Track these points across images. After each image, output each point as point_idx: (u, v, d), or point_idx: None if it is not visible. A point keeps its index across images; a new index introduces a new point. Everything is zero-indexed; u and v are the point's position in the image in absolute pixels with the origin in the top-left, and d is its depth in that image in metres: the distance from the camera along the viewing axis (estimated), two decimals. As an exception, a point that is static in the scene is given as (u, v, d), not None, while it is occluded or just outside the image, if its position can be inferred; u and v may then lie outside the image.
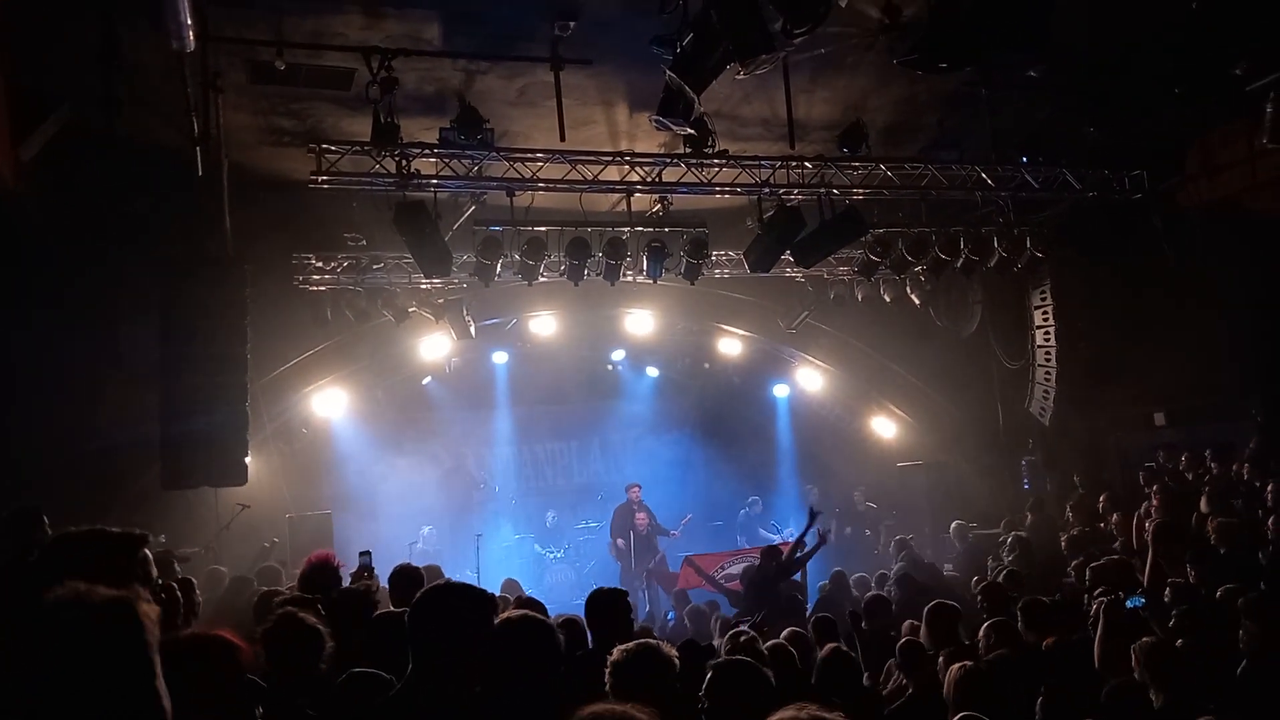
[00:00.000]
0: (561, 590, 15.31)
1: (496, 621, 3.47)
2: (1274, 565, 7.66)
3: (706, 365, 17.50)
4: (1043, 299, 14.07)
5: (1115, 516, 11.28)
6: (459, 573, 12.32)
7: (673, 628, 10.94)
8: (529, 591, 9.86)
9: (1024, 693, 5.22)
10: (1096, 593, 6.52)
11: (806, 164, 10.93)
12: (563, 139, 9.72)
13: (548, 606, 6.83)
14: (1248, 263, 11.75)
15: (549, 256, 11.76)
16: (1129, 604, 6.41)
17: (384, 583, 6.96)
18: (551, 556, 16.47)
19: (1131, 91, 10.44)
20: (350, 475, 14.80)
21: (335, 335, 13.23)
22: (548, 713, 3.27)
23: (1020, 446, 15.31)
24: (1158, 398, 13.48)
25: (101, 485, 9.96)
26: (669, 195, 11.57)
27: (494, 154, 9.94)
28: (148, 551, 2.95)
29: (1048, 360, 14.08)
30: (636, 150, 10.99)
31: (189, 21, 6.81)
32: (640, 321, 15.27)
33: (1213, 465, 11.35)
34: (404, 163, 9.59)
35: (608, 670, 3.72)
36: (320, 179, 9.50)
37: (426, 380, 15.94)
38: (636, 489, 15.80)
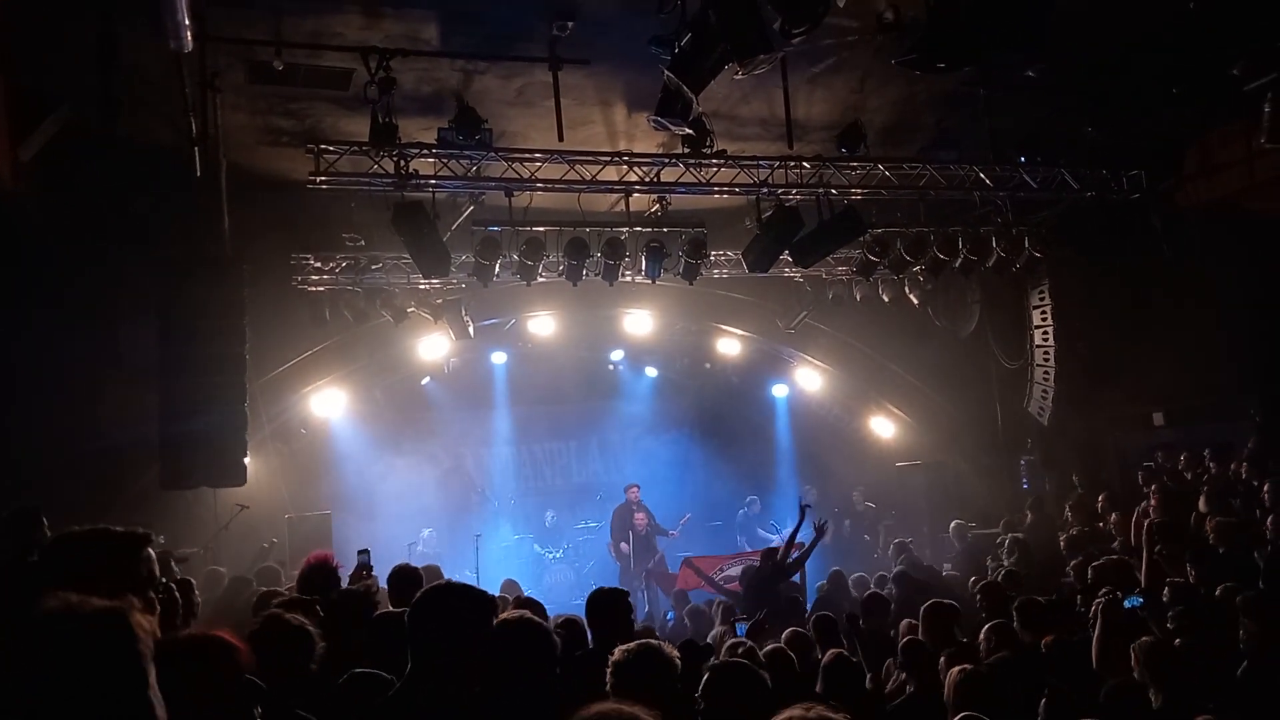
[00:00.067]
0: (561, 590, 15.32)
1: (495, 622, 3.48)
2: (1272, 565, 7.65)
3: (706, 365, 17.51)
4: (1041, 299, 14.08)
5: (1114, 516, 11.28)
6: (458, 573, 12.31)
7: (672, 628, 10.94)
8: (528, 592, 9.86)
9: (1024, 693, 5.22)
10: (1101, 592, 6.52)
11: (805, 164, 10.93)
12: (561, 139, 9.72)
13: (547, 607, 6.85)
14: (1246, 263, 11.76)
15: (547, 256, 11.76)
16: (1127, 604, 6.41)
17: (383, 583, 6.96)
18: (550, 556, 16.47)
19: (1130, 92, 10.45)
20: (349, 475, 14.80)
21: (334, 335, 13.22)
22: (546, 713, 3.28)
23: (1019, 446, 15.32)
24: (1156, 397, 13.50)
25: (101, 485, 9.95)
26: (667, 195, 11.56)
27: (492, 154, 9.94)
28: (151, 551, 2.95)
29: (1046, 360, 14.09)
30: (635, 150, 10.98)
31: (187, 21, 6.81)
32: (639, 321, 15.27)
33: (1211, 465, 11.37)
34: (402, 163, 9.59)
35: (609, 670, 3.73)
36: (319, 179, 9.49)
37: (425, 380, 15.94)
38: (635, 489, 15.80)
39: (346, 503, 14.03)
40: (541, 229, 11.45)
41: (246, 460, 9.66)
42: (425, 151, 9.72)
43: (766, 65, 6.77)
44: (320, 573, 6.41)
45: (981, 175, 11.65)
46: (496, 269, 11.49)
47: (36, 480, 9.20)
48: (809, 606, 10.08)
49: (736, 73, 6.78)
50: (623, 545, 15.46)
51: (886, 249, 12.59)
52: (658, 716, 2.40)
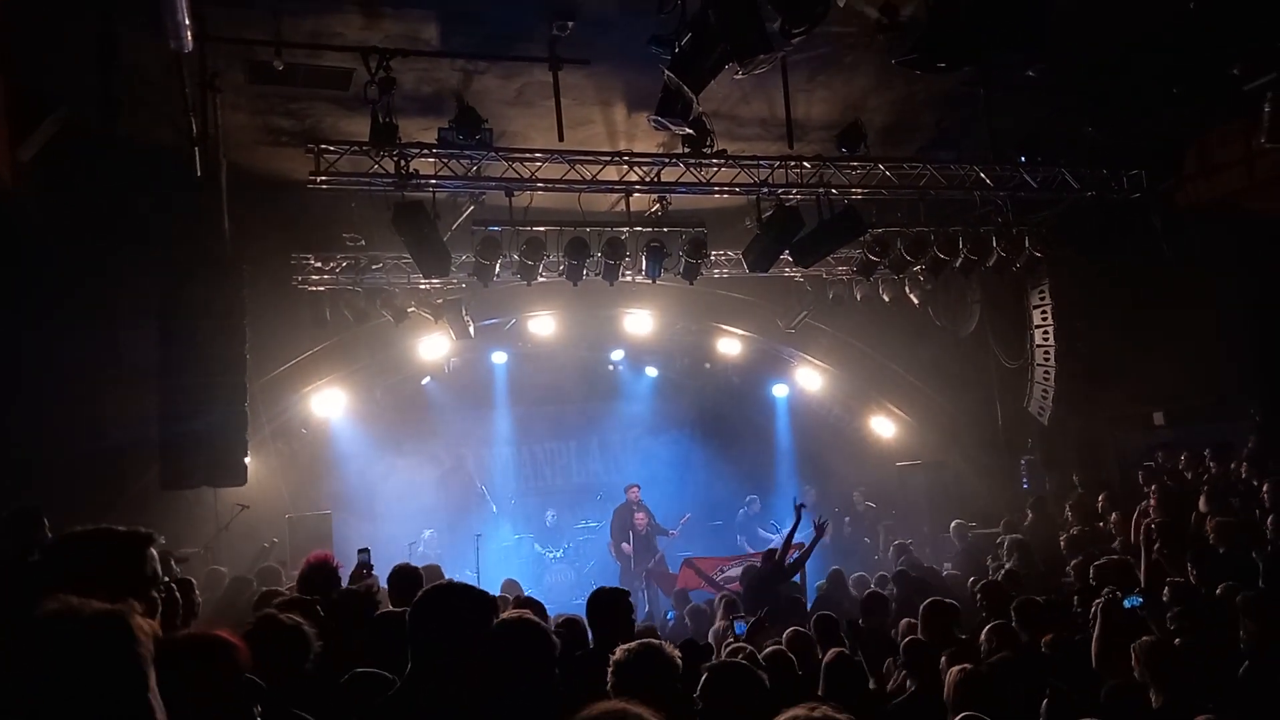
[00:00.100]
0: (561, 590, 15.32)
1: (495, 622, 3.48)
2: (1271, 564, 7.65)
3: (707, 365, 17.51)
4: (1041, 299, 14.08)
5: (1114, 516, 11.28)
6: (459, 573, 12.32)
7: (672, 627, 10.95)
8: (528, 591, 9.87)
9: (1025, 693, 5.23)
10: (1105, 591, 6.53)
11: (805, 164, 10.93)
12: (561, 139, 9.73)
13: (547, 606, 6.86)
14: (1246, 262, 11.77)
15: (548, 256, 11.76)
16: (1126, 603, 6.41)
17: (383, 582, 6.97)
18: (551, 556, 16.48)
19: (1130, 91, 10.45)
20: (349, 475, 14.79)
21: (334, 335, 13.23)
22: (547, 713, 3.28)
23: (1019, 446, 15.32)
24: (1156, 397, 13.50)
25: (101, 485, 9.95)
26: (668, 195, 11.56)
27: (492, 154, 9.94)
28: (154, 551, 2.95)
29: (1046, 360, 14.09)
30: (635, 150, 10.99)
31: (187, 21, 6.81)
32: (639, 321, 15.27)
33: (1211, 465, 11.37)
34: (402, 163, 9.59)
35: (610, 669, 3.72)
36: (319, 179, 9.49)
37: (425, 380, 15.93)
38: (635, 489, 15.81)
39: (347, 503, 14.03)
40: (542, 229, 11.45)
41: (247, 460, 9.67)
42: (425, 151, 9.72)
43: (766, 65, 6.77)
44: (320, 573, 6.42)
45: (981, 175, 11.65)
46: (497, 269, 11.50)
47: (36, 480, 9.20)
48: (809, 606, 10.09)
49: (736, 73, 6.78)
50: (623, 545, 15.46)
51: (887, 249, 12.60)
52: (661, 717, 2.40)
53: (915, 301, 14.16)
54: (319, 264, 12.57)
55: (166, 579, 3.12)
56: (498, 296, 13.54)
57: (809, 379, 17.07)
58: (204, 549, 10.60)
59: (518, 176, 10.23)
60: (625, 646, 3.83)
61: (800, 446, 17.81)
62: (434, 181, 9.91)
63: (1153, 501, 10.27)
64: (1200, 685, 5.17)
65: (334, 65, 9.11)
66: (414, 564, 7.47)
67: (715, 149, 10.27)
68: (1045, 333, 14.07)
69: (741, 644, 6.22)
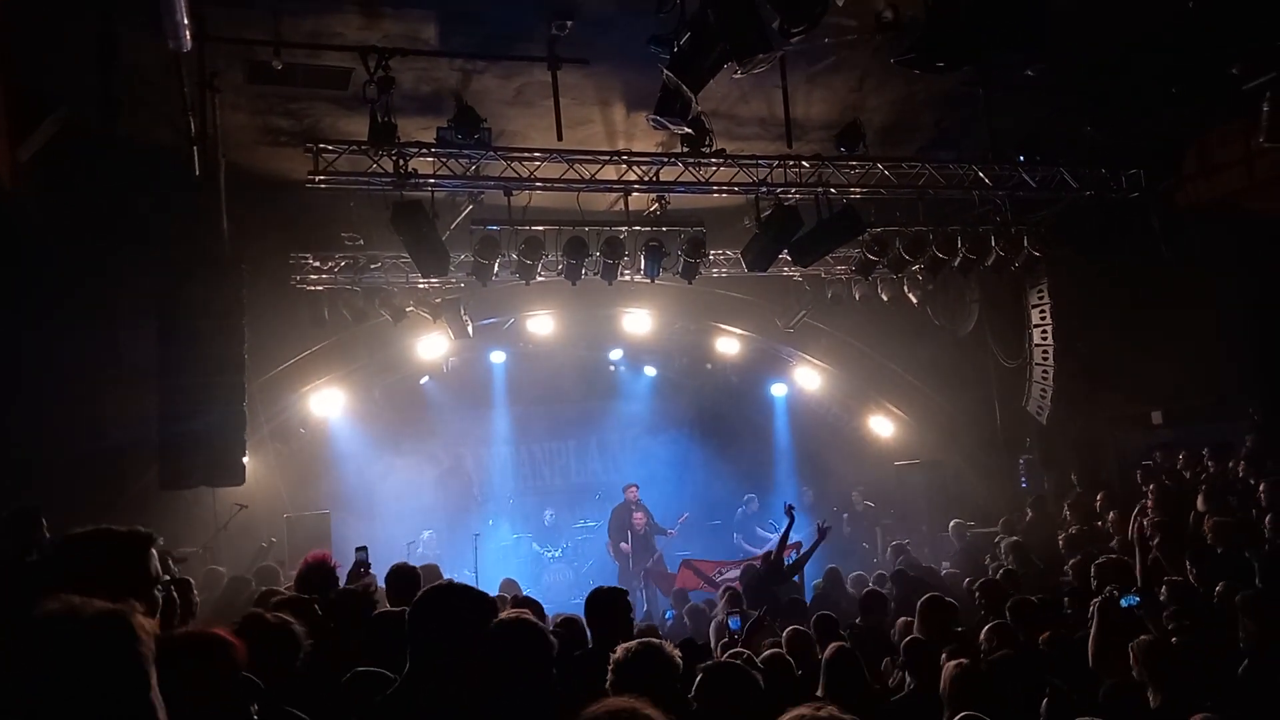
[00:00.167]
0: (560, 589, 15.32)
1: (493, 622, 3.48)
2: (1269, 564, 7.66)
3: (706, 365, 17.50)
4: (1040, 298, 14.09)
5: (1112, 515, 11.29)
6: (457, 572, 12.34)
7: (671, 627, 10.95)
8: (527, 591, 9.87)
9: (1024, 692, 5.23)
10: (1107, 590, 6.53)
11: (804, 163, 10.94)
12: (560, 138, 9.73)
13: (546, 606, 6.86)
14: (1245, 262, 11.77)
15: (546, 256, 11.75)
16: (1124, 602, 6.42)
17: (381, 582, 6.98)
18: (549, 556, 16.48)
19: (1129, 91, 10.45)
20: (348, 475, 14.79)
21: (333, 335, 13.22)
22: (545, 713, 3.28)
23: (1018, 445, 15.32)
24: (1155, 397, 13.50)
25: (101, 485, 9.95)
26: (666, 194, 11.56)
27: (491, 153, 9.94)
28: (155, 551, 2.95)
29: (1045, 359, 14.10)
30: (634, 149, 10.98)
31: (186, 21, 6.81)
32: (638, 321, 15.27)
33: (1210, 464, 11.38)
34: (401, 162, 9.59)
35: (610, 668, 3.72)
36: (318, 178, 9.49)
37: (424, 380, 15.93)
38: (634, 489, 15.81)
39: (345, 502, 14.03)
40: (540, 228, 11.45)
41: (245, 460, 9.66)
42: (424, 151, 9.72)
43: (765, 65, 6.77)
44: (318, 572, 6.42)
45: (980, 174, 11.64)
46: (495, 268, 11.50)
47: (36, 480, 9.20)
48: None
49: (735, 72, 6.79)
50: (621, 545, 15.46)
51: (885, 248, 12.60)
52: (666, 715, 2.40)
53: (914, 301, 14.17)
54: (318, 263, 12.57)
55: (167, 578, 3.12)
56: (496, 296, 13.54)
57: (808, 378, 17.08)
58: (202, 549, 10.59)
59: (516, 176, 10.23)
60: (626, 645, 3.83)
61: (799, 446, 17.82)
62: (433, 181, 9.90)
63: (1151, 501, 10.29)
64: (1198, 684, 5.17)
65: (333, 65, 9.11)
66: (412, 564, 7.48)
67: (714, 148, 10.27)
68: (1044, 332, 14.08)
69: (739, 643, 6.22)
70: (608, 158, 10.56)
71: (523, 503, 17.59)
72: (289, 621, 4.08)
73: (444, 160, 9.89)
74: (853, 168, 11.19)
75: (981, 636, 6.35)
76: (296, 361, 13.16)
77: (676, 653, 3.83)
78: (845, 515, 15.94)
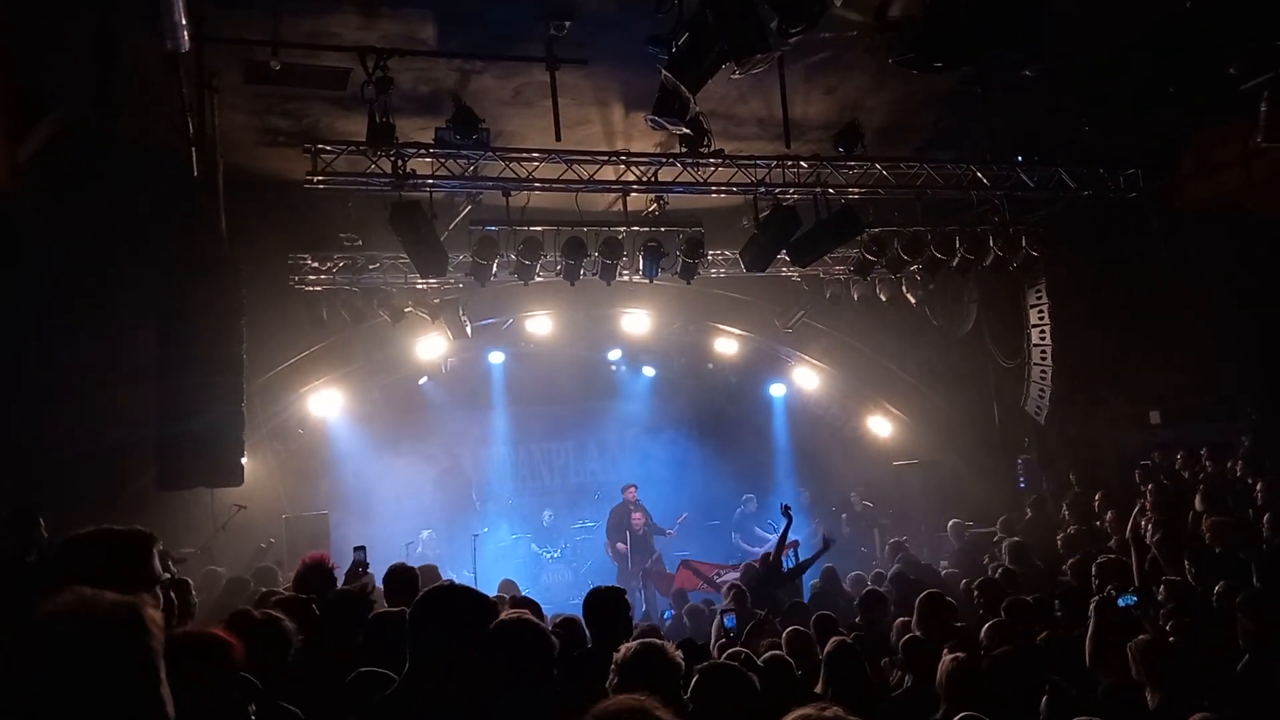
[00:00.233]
0: (558, 590, 15.32)
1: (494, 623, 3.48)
2: (1266, 563, 7.66)
3: (706, 365, 17.50)
4: (1038, 298, 14.10)
5: (1110, 515, 11.29)
6: (456, 573, 12.34)
7: (670, 627, 10.95)
8: (526, 591, 9.86)
9: (1022, 689, 5.23)
10: (1108, 589, 6.54)
11: (802, 163, 10.94)
12: (558, 139, 9.72)
13: (544, 606, 6.86)
14: (1243, 261, 11.77)
15: (545, 256, 11.75)
16: (1121, 602, 6.43)
17: (379, 582, 6.98)
18: (548, 556, 16.46)
19: (1127, 91, 10.46)
20: (347, 475, 14.79)
21: (331, 335, 13.22)
22: (545, 713, 3.28)
23: (1016, 445, 15.33)
24: (1153, 396, 13.51)
25: (99, 486, 9.94)
26: (665, 195, 11.57)
27: (490, 154, 9.94)
28: (157, 550, 2.96)
29: (1043, 359, 14.11)
30: (632, 150, 10.97)
31: (184, 21, 6.80)
32: (636, 321, 15.27)
33: (1208, 464, 11.39)
34: (400, 162, 9.58)
35: (613, 668, 3.72)
36: (316, 179, 9.49)
37: (423, 380, 15.92)
38: (633, 489, 15.81)
39: (344, 503, 14.01)
40: (539, 228, 11.45)
41: (244, 460, 9.64)
42: (423, 151, 9.71)
43: (763, 65, 6.78)
44: (316, 573, 6.43)
45: (979, 174, 11.65)
46: (494, 268, 11.50)
47: (35, 480, 9.20)
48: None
49: (734, 72, 6.79)
50: (619, 545, 15.45)
51: (884, 248, 12.61)
52: (671, 714, 2.40)
53: (912, 301, 14.18)
54: (316, 264, 12.56)
55: (167, 575, 3.13)
56: (495, 296, 13.55)
57: (806, 378, 17.08)
58: (201, 549, 10.58)
59: (515, 176, 10.23)
60: (628, 645, 3.82)
61: (797, 446, 17.82)
62: (431, 181, 9.90)
63: (1149, 501, 10.29)
64: (1196, 684, 5.18)
65: (331, 65, 9.11)
66: (411, 564, 7.48)
67: (712, 149, 10.26)
68: (1042, 332, 14.09)
69: (736, 643, 6.22)
70: (606, 158, 10.55)
71: (521, 503, 17.56)
72: (277, 618, 4.08)
73: (442, 160, 9.89)
74: (851, 168, 11.19)
75: (982, 634, 6.36)
76: (295, 362, 13.15)
77: (679, 654, 3.83)
78: (844, 516, 15.94)
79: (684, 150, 10.29)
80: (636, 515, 15.49)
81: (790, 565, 10.94)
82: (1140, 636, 5.51)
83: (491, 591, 8.47)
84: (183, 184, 9.10)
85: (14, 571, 4.96)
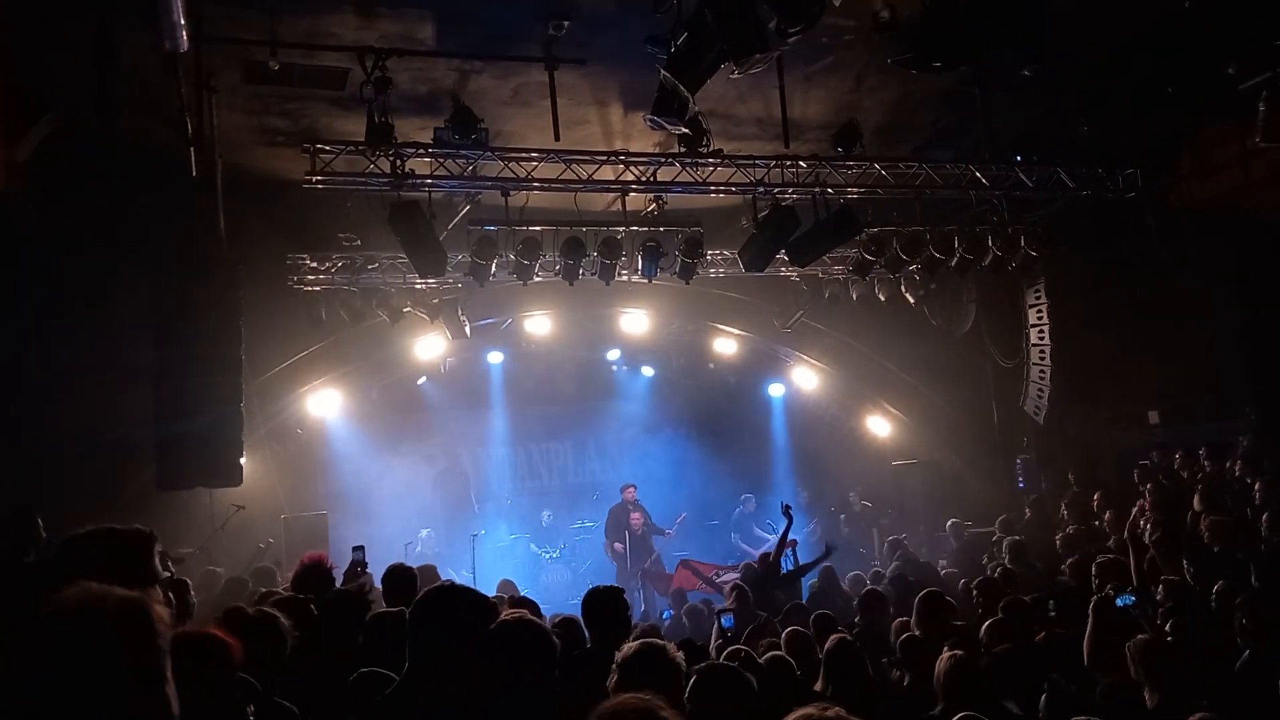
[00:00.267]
0: (557, 590, 15.31)
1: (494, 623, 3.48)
2: (1265, 563, 7.67)
3: (706, 365, 17.49)
4: (1037, 297, 14.10)
5: (1108, 514, 11.30)
6: (455, 573, 12.33)
7: (669, 626, 10.94)
8: (524, 591, 9.86)
9: (1022, 687, 5.24)
10: (1109, 589, 6.55)
11: (801, 163, 10.95)
12: (557, 139, 9.72)
13: (543, 606, 6.86)
14: (1241, 261, 11.79)
15: (544, 256, 11.75)
16: (1119, 602, 6.43)
17: (378, 582, 6.97)
18: (547, 556, 16.44)
19: (1125, 91, 10.46)
20: (345, 476, 14.78)
21: (330, 335, 13.22)
22: (545, 713, 3.28)
23: (1015, 445, 15.34)
24: (1152, 396, 13.53)
25: (98, 486, 9.94)
26: (664, 195, 11.56)
27: (488, 154, 9.93)
28: (157, 549, 2.96)
29: (1042, 359, 14.12)
30: (631, 150, 10.97)
31: (182, 21, 6.79)
32: (635, 321, 15.27)
33: (1206, 464, 11.39)
34: (398, 162, 9.58)
35: (615, 668, 3.72)
36: (315, 179, 9.48)
37: (421, 380, 15.91)
38: (631, 489, 15.80)
39: (343, 503, 14.01)
40: (538, 228, 11.45)
41: (242, 461, 9.65)
42: (421, 151, 9.71)
43: (762, 65, 6.77)
44: (315, 573, 6.43)
45: (977, 174, 11.66)
46: (493, 268, 11.50)
47: (34, 480, 9.19)
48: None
49: (733, 72, 6.78)
50: (617, 545, 15.45)
51: (882, 248, 12.61)
52: (675, 715, 2.40)
53: (911, 301, 14.19)
54: (315, 264, 12.56)
55: (167, 574, 3.13)
56: (494, 296, 13.54)
57: (805, 378, 17.09)
58: (200, 550, 10.58)
59: (514, 176, 10.23)
60: (629, 645, 3.82)
61: (796, 446, 17.82)
62: (430, 181, 9.90)
63: (1148, 500, 10.30)
64: (1195, 683, 5.18)
65: (330, 65, 9.11)
66: (409, 564, 7.48)
67: (711, 148, 10.27)
68: (1041, 332, 14.10)
69: (734, 643, 6.22)
70: (605, 158, 10.55)
71: (520, 503, 17.54)
72: (273, 615, 4.06)
73: (441, 160, 9.88)
74: (850, 168, 11.20)
75: (982, 633, 6.36)
76: (294, 362, 13.16)
77: (679, 654, 3.83)
78: (843, 516, 15.94)
79: (683, 150, 10.30)
80: (635, 515, 15.48)
81: (789, 566, 10.93)
82: (1139, 636, 5.52)
83: (490, 591, 8.46)
84: (182, 184, 9.10)
85: (14, 571, 4.95)
